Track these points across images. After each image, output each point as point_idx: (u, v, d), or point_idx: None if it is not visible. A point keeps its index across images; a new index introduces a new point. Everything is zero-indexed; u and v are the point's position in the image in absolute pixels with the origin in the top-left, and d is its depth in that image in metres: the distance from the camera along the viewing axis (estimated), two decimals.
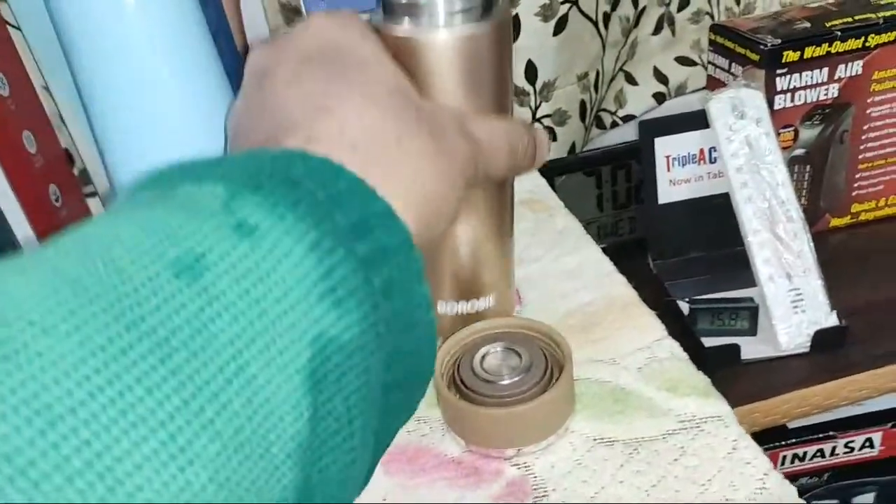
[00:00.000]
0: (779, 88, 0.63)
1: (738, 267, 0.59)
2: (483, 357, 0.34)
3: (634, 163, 0.70)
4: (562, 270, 0.46)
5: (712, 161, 0.63)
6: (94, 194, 0.50)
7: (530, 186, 0.56)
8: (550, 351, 0.34)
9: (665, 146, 0.63)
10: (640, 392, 0.35)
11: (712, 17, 0.81)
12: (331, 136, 0.21)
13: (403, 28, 0.29)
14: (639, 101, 0.84)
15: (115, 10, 0.31)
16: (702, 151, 0.63)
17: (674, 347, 0.38)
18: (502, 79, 0.32)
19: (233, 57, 0.43)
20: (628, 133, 0.82)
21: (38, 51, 0.43)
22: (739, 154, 0.59)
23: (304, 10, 0.49)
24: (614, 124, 0.85)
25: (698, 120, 0.61)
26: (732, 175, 0.59)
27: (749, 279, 0.59)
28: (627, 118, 0.85)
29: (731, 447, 0.31)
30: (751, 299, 0.59)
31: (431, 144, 0.24)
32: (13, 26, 0.43)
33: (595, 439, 0.33)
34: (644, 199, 0.65)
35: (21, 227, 0.42)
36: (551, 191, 0.56)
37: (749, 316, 0.58)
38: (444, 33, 0.29)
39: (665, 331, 0.39)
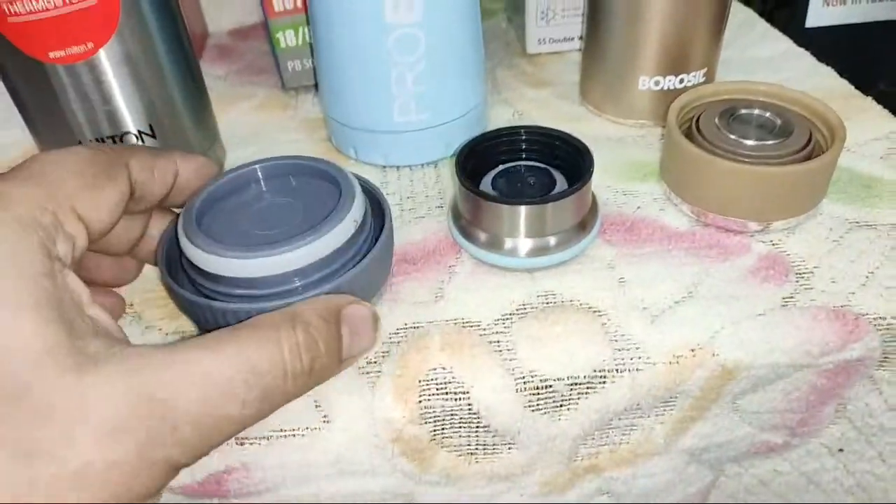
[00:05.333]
0: None
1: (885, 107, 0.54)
2: (732, 116, 0.29)
3: None
4: (755, 59, 0.40)
5: None
6: None
7: None
8: (813, 124, 0.29)
9: None
10: (892, 179, 0.31)
11: None
12: None
13: None
14: None
15: None
16: None
17: None
18: None
19: None
20: None
21: None
22: None
23: None
24: None
25: None
26: None
27: None
28: None
29: None
30: None
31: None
32: None
33: (852, 222, 0.29)
34: (788, 21, 0.58)
35: None
36: None
37: None
38: None
39: None
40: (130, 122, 0.29)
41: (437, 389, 0.24)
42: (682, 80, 0.33)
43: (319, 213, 0.24)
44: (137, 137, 0.29)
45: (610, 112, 0.35)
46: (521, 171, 0.29)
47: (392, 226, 0.26)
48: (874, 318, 0.25)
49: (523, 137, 0.28)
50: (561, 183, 0.28)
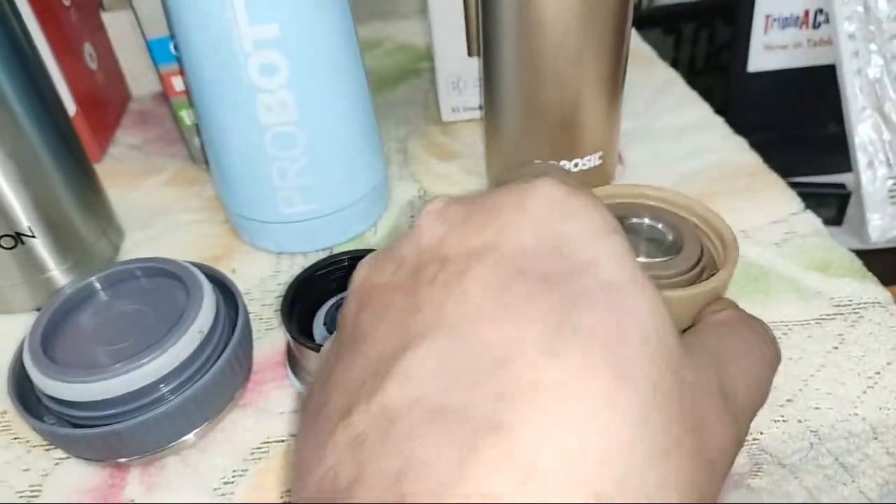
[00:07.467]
0: None
1: (831, 151, 0.53)
2: (622, 226, 0.28)
3: (720, 23, 0.61)
4: (668, 129, 0.39)
5: (816, 26, 0.55)
6: None
7: None
8: (707, 235, 0.28)
9: (767, 2, 0.54)
10: (782, 271, 0.30)
11: None
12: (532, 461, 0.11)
13: None
14: None
15: None
16: (806, 14, 0.55)
17: (815, 222, 0.32)
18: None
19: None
20: None
21: None
22: (854, 18, 0.51)
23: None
24: None
25: None
26: (843, 42, 0.51)
27: (840, 166, 0.53)
28: None
29: None
30: (842, 185, 0.53)
31: (690, 457, 0.13)
32: None
33: None
34: (731, 65, 0.57)
35: None
36: (643, 41, 0.48)
37: (837, 204, 0.53)
38: None
39: (802, 203, 0.33)
40: (8, 222, 0.29)
41: None
42: (576, 165, 0.33)
43: (171, 318, 0.24)
44: (15, 238, 0.29)
45: None
46: None
47: (248, 327, 0.26)
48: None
49: (346, 265, 0.28)
50: None
